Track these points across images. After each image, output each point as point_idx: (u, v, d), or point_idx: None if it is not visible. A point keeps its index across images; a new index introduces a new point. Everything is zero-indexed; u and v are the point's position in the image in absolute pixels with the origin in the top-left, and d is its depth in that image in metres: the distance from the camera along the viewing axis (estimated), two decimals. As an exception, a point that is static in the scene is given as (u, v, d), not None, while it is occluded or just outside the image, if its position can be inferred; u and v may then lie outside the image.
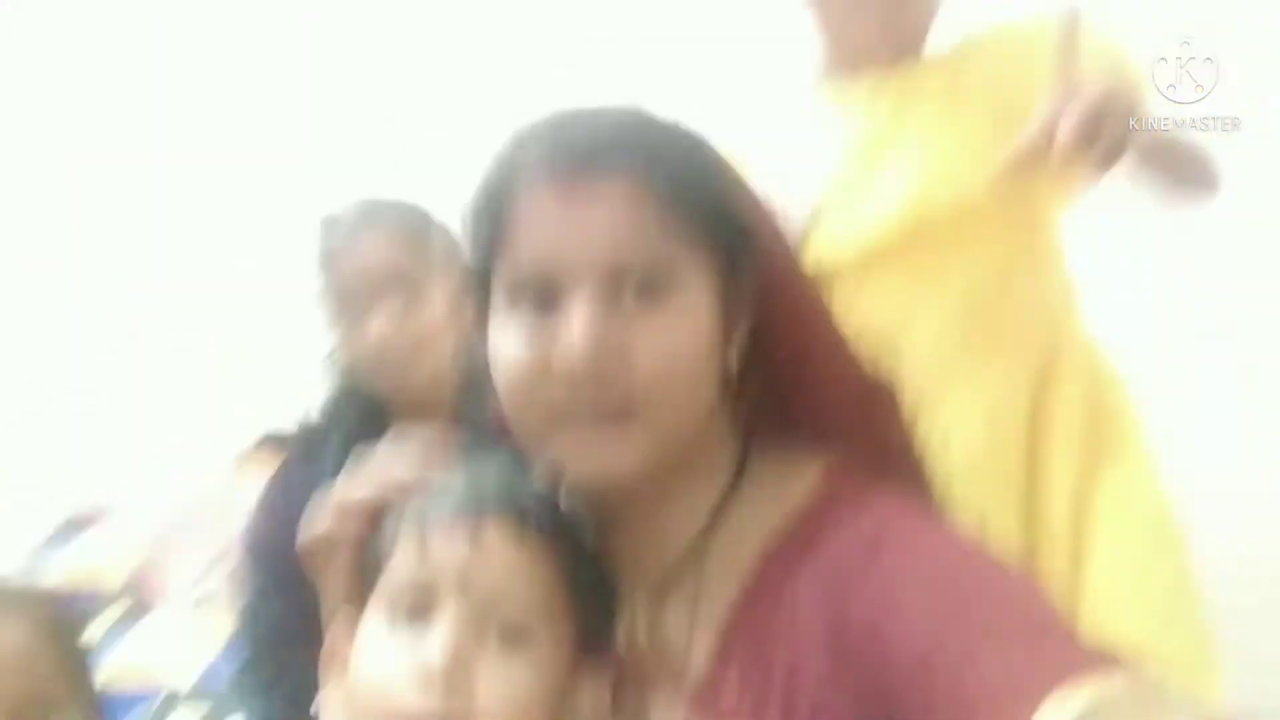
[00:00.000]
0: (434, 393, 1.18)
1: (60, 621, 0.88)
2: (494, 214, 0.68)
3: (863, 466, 0.71)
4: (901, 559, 0.62)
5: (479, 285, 0.71)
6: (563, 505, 0.67)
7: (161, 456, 2.22)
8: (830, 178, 1.06)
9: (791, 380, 0.73)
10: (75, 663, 0.87)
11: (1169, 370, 1.35)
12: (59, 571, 2.02)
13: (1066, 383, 1.06)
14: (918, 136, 1.04)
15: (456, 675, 0.61)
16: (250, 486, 1.37)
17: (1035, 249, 1.08)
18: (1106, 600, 0.98)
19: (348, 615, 0.68)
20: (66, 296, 2.26)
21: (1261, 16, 1.24)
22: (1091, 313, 1.13)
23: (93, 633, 1.81)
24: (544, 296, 0.65)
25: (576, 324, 0.63)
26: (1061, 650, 0.53)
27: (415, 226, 1.18)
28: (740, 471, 0.72)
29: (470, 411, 1.18)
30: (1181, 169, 0.98)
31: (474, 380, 1.15)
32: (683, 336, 0.65)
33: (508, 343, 0.67)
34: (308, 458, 1.21)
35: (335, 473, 1.13)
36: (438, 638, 0.62)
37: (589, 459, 0.66)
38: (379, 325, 1.14)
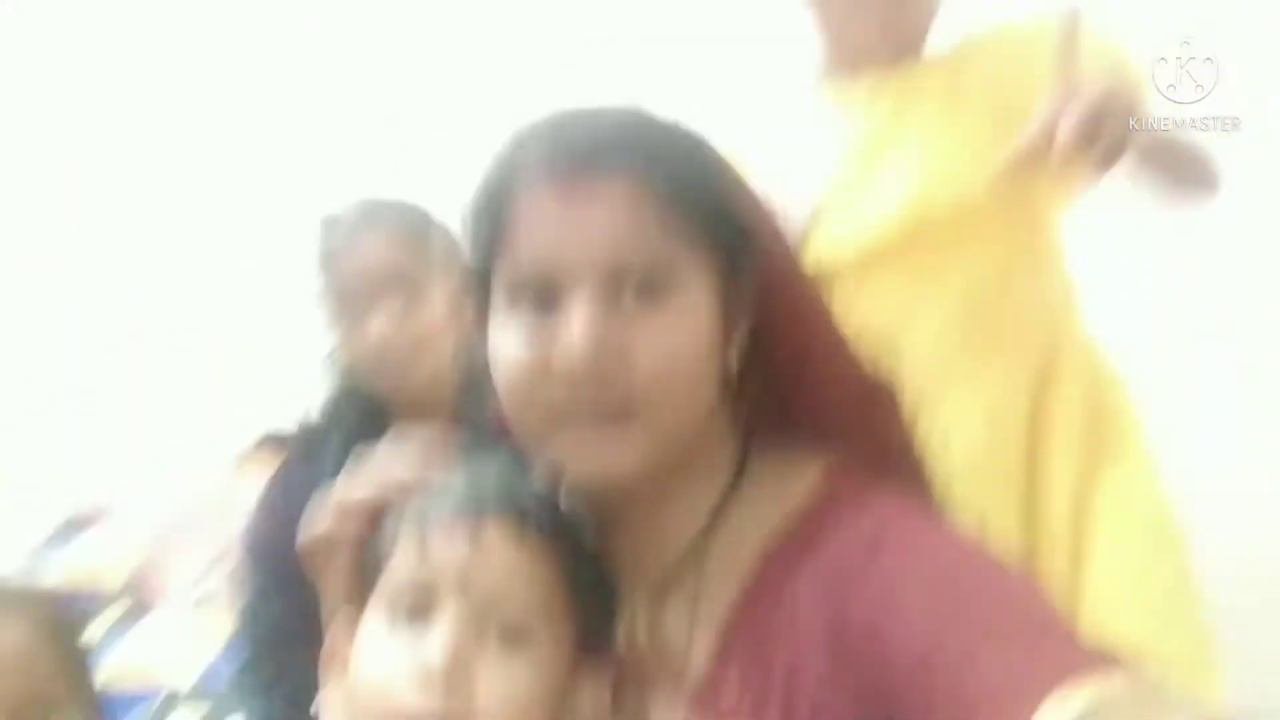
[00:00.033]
0: (434, 393, 1.18)
1: (60, 622, 0.87)
2: (494, 214, 0.68)
3: (863, 466, 0.71)
4: (901, 559, 0.62)
5: (479, 285, 0.71)
6: (562, 505, 0.67)
7: (161, 456, 2.22)
8: (830, 178, 1.06)
9: (791, 380, 0.73)
10: (75, 663, 0.87)
11: (1169, 370, 1.35)
12: (59, 571, 2.02)
13: (1066, 382, 1.06)
14: (918, 136, 1.04)
15: (456, 675, 0.61)
16: (250, 486, 1.37)
17: (1035, 249, 1.08)
18: (1106, 600, 0.98)
19: (348, 615, 0.68)
20: (66, 296, 2.26)
21: (1261, 16, 1.24)
22: (1091, 312, 1.13)
23: (93, 633, 1.81)
24: (544, 296, 0.65)
25: (576, 324, 0.63)
26: (1062, 650, 0.53)
27: (415, 226, 1.18)
28: (740, 471, 0.72)
29: (470, 411, 1.18)
30: (1181, 169, 0.98)
31: (474, 380, 1.16)
32: (682, 336, 0.65)
33: (508, 342, 0.67)
34: (308, 458, 1.21)
35: (335, 473, 1.13)
36: (438, 637, 0.62)
37: (589, 459, 0.66)
38: (379, 325, 1.14)
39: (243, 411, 2.00)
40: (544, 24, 1.82)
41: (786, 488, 0.70)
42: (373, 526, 0.69)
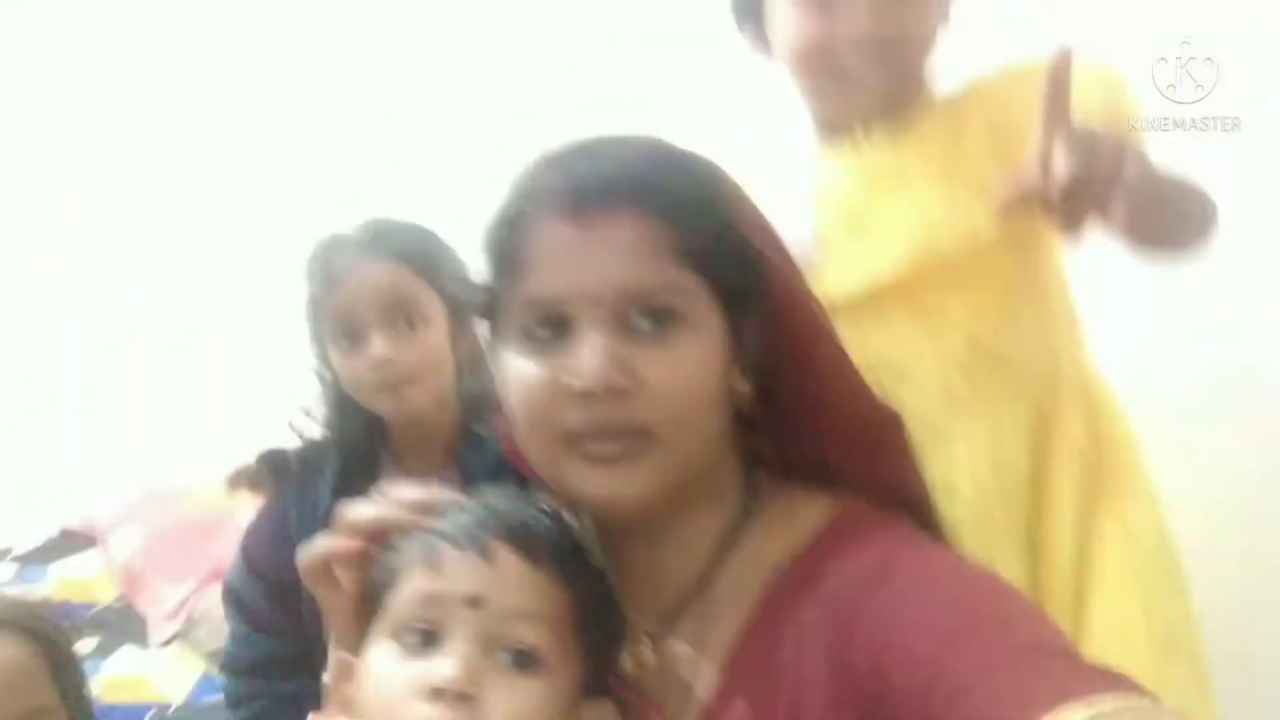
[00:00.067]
0: (435, 416, 1.18)
1: (55, 637, 0.88)
2: (509, 241, 0.69)
3: (870, 499, 0.72)
4: (905, 585, 0.62)
5: (492, 309, 0.72)
6: (572, 532, 0.68)
7: (161, 456, 2.22)
8: (834, 214, 1.06)
9: (801, 411, 0.74)
10: (70, 678, 0.88)
11: (1168, 370, 1.35)
12: (51, 584, 2.01)
13: (1070, 416, 1.06)
14: (921, 176, 1.03)
15: (467, 693, 0.61)
16: (244, 504, 1.37)
17: (1038, 284, 1.08)
18: (1110, 633, 0.98)
19: (351, 633, 0.68)
20: (66, 296, 2.26)
21: (1261, 16, 1.23)
22: (1089, 313, 1.13)
23: (84, 646, 1.80)
24: (556, 323, 0.67)
25: (588, 347, 0.65)
26: (1063, 670, 0.54)
27: (422, 250, 1.17)
28: (748, 503, 0.73)
29: (470, 436, 1.18)
30: (1174, 210, 0.95)
31: (475, 404, 1.16)
32: (692, 364, 0.67)
33: (521, 366, 0.68)
34: (305, 479, 1.21)
35: (334, 492, 1.14)
36: (449, 656, 0.62)
37: (600, 484, 0.67)
38: (381, 346, 1.13)
39: (243, 411, 2.00)
40: (544, 24, 1.82)
41: (794, 520, 0.71)
42: (378, 547, 0.69)
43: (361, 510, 0.69)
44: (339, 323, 1.15)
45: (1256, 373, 1.35)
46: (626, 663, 0.71)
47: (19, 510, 2.17)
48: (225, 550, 1.59)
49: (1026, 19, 1.14)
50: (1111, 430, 1.09)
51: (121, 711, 1.68)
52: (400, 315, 1.14)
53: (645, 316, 0.66)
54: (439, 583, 0.64)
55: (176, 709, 1.71)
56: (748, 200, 0.73)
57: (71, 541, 2.13)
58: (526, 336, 0.68)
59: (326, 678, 0.69)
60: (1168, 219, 0.94)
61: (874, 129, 1.05)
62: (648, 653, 0.71)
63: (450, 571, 0.64)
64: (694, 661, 0.69)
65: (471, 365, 1.18)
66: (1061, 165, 0.82)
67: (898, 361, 1.03)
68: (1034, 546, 1.05)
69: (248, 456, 1.26)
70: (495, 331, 0.73)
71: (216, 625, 1.57)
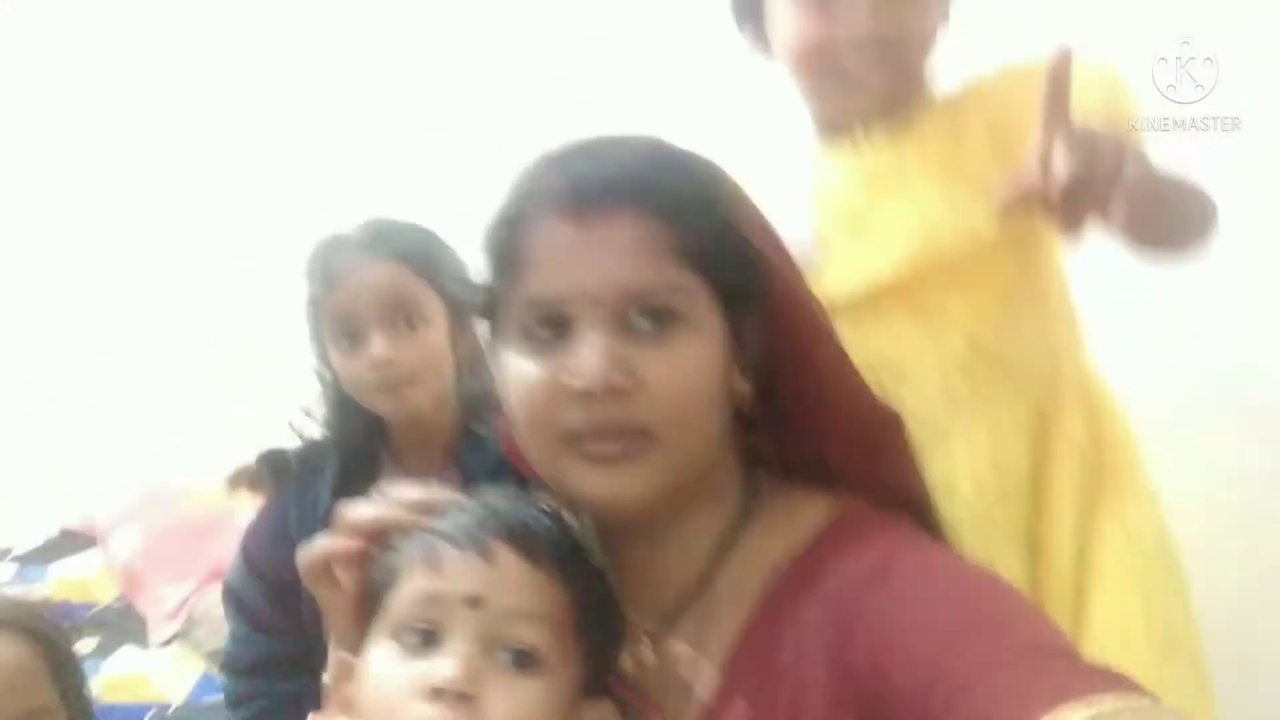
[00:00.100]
0: (435, 416, 1.18)
1: (55, 638, 0.88)
2: (509, 241, 0.70)
3: (871, 499, 0.73)
4: (905, 585, 0.62)
5: (492, 309, 0.72)
6: (572, 532, 0.68)
7: (161, 456, 2.22)
8: (833, 213, 1.06)
9: (801, 411, 0.74)
10: (71, 679, 0.88)
11: (1168, 370, 1.35)
12: (51, 584, 2.00)
13: (1070, 416, 1.06)
14: (921, 176, 1.03)
15: (467, 693, 0.61)
16: (243, 504, 1.36)
17: (1038, 284, 1.08)
18: (1110, 634, 0.98)
19: (351, 634, 0.68)
20: (66, 296, 2.26)
21: (1261, 16, 1.23)
22: (1089, 313, 1.13)
23: (84, 646, 1.80)
24: (557, 322, 0.67)
25: (588, 346, 0.65)
26: (1063, 670, 0.54)
27: (423, 251, 1.17)
28: (748, 503, 0.73)
29: (470, 436, 1.18)
30: (1174, 210, 0.95)
31: (474, 404, 1.17)
32: (692, 364, 0.67)
33: (521, 366, 0.68)
34: (305, 479, 1.21)
35: (334, 493, 1.14)
36: (449, 656, 0.62)
37: (601, 483, 0.67)
38: (381, 346, 1.13)
39: (243, 411, 2.00)
40: (544, 24, 1.82)
41: (794, 520, 0.71)
42: (378, 546, 0.68)
43: (361, 510, 0.69)
44: (339, 322, 1.15)
45: (1256, 373, 1.35)
46: (626, 663, 0.71)
47: (19, 510, 2.16)
48: (225, 550, 1.59)
49: (1026, 19, 1.14)
50: (1111, 430, 1.09)
51: (121, 711, 1.68)
52: (400, 315, 1.14)
53: (645, 316, 0.66)
54: (439, 583, 0.64)
55: (176, 709, 1.71)
56: (748, 200, 0.73)
57: (71, 541, 2.12)
58: (526, 336, 0.68)
59: (326, 678, 0.69)
60: (1168, 219, 0.94)
61: (874, 129, 1.05)
62: (648, 653, 0.71)
63: (450, 571, 0.64)
64: (694, 661, 0.69)
65: (471, 365, 1.18)
66: (1061, 165, 0.82)
67: (898, 361, 1.03)
68: (1034, 546, 1.05)
69: (248, 456, 1.26)
70: (495, 331, 0.73)
71: (216, 625, 1.57)
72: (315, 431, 1.23)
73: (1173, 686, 0.98)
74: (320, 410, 1.23)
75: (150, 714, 1.70)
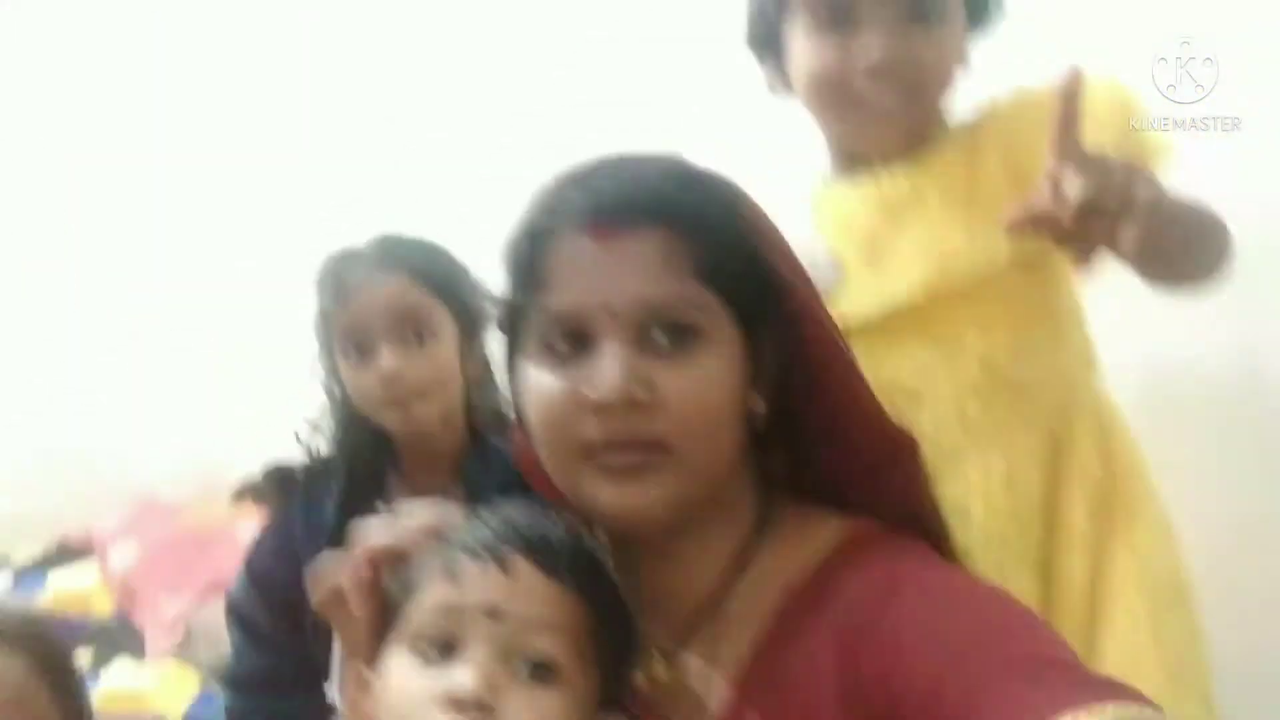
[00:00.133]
0: (444, 432, 1.18)
1: (55, 651, 0.87)
2: (531, 256, 0.71)
3: (884, 520, 0.73)
4: (914, 602, 0.63)
5: (512, 323, 0.73)
6: (589, 546, 0.69)
7: (160, 455, 2.22)
8: (851, 240, 1.06)
9: (817, 433, 0.75)
10: (71, 693, 0.87)
11: (1165, 373, 1.35)
12: (48, 596, 1.99)
13: (1083, 443, 1.06)
14: (938, 202, 1.04)
15: (486, 703, 0.61)
16: (242, 517, 1.36)
17: (1053, 310, 1.08)
18: (1122, 659, 0.98)
19: (366, 651, 0.68)
20: (66, 296, 2.26)
21: (1261, 16, 1.23)
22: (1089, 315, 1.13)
23: (80, 659, 1.78)
24: (576, 337, 0.68)
25: (608, 360, 0.66)
26: (1066, 680, 0.54)
27: (434, 266, 1.17)
28: (762, 522, 0.74)
29: (477, 454, 1.18)
30: (1188, 237, 0.94)
31: (492, 419, 1.17)
32: (709, 381, 0.68)
33: (541, 379, 0.70)
34: (312, 493, 1.20)
35: (340, 508, 1.14)
36: (468, 666, 0.62)
37: (617, 496, 0.68)
38: (390, 361, 1.13)
39: (243, 411, 2.00)
40: (544, 24, 1.82)
41: (807, 540, 0.72)
42: (390, 570, 0.69)
43: (374, 537, 0.70)
44: (349, 336, 1.16)
45: (1257, 376, 1.35)
46: (640, 679, 0.71)
47: (16, 521, 2.16)
48: (224, 563, 1.59)
49: (1027, 19, 1.14)
50: (1124, 457, 1.09)
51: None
52: (410, 330, 1.14)
53: (665, 332, 0.68)
54: (458, 594, 0.64)
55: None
56: (767, 220, 0.75)
57: (68, 553, 2.11)
58: (547, 350, 0.70)
59: (333, 692, 0.69)
60: (1181, 248, 0.93)
61: (893, 161, 1.06)
62: (661, 668, 0.72)
63: (469, 583, 0.64)
64: (706, 677, 0.70)
65: (480, 382, 1.19)
66: (1072, 189, 0.81)
67: (913, 386, 1.04)
68: (1046, 572, 1.05)
69: (248, 456, 1.26)
70: (515, 345, 0.74)
71: (215, 639, 1.56)
72: (322, 446, 1.23)
73: (1181, 710, 0.99)
74: (327, 425, 1.23)
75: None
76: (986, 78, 1.11)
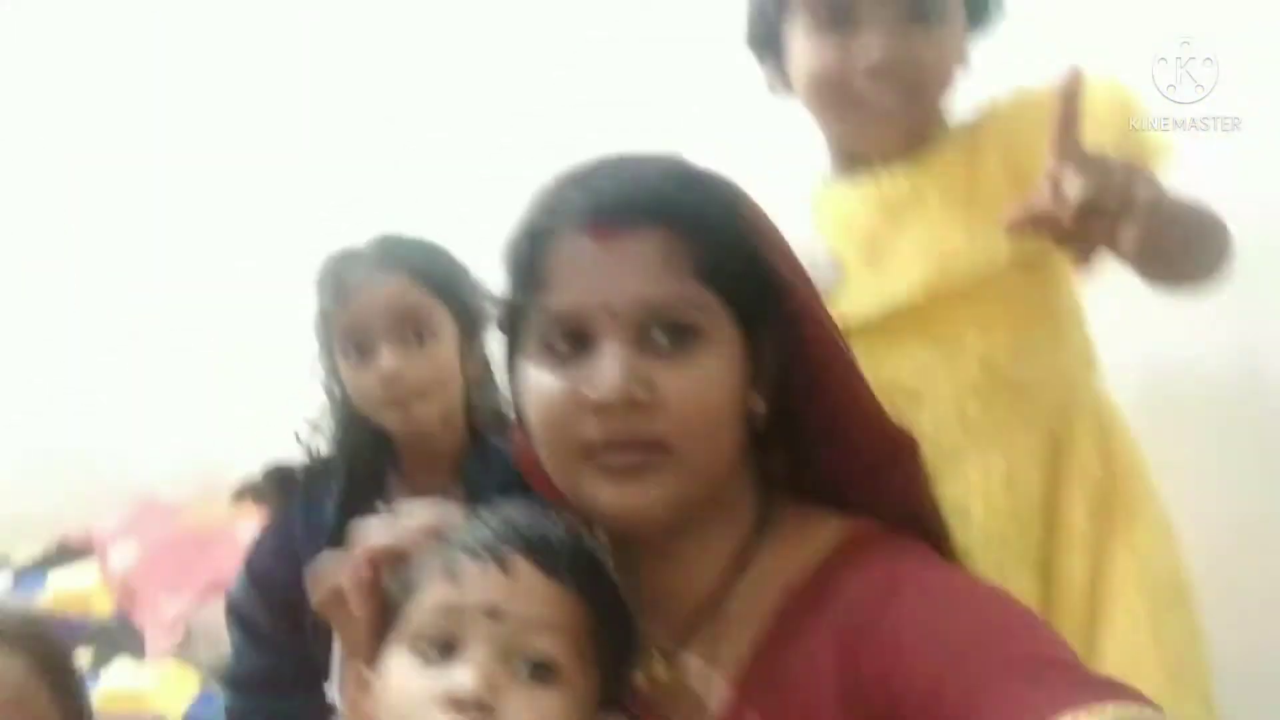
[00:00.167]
0: (443, 432, 1.19)
1: (55, 652, 0.87)
2: (531, 256, 0.71)
3: (884, 520, 0.73)
4: (913, 601, 0.63)
5: (512, 323, 0.73)
6: (589, 546, 0.69)
7: (160, 455, 2.22)
8: (851, 240, 1.07)
9: (817, 431, 0.75)
10: (71, 694, 0.87)
11: (1164, 375, 1.35)
12: (48, 596, 1.99)
13: (1083, 443, 1.06)
14: (937, 203, 1.04)
15: (486, 703, 0.61)
16: (242, 517, 1.35)
17: (1053, 311, 1.08)
18: (1123, 660, 0.98)
19: (366, 652, 0.68)
20: (66, 296, 2.26)
21: (1261, 16, 1.23)
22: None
23: (82, 659, 1.79)
24: (577, 336, 0.68)
25: (608, 360, 0.66)
26: (1066, 680, 0.55)
27: (434, 266, 1.17)
28: (762, 523, 0.74)
29: (476, 454, 1.18)
30: (1188, 237, 0.94)
31: (492, 419, 1.17)
32: (709, 381, 0.68)
33: (541, 379, 0.70)
34: (312, 493, 1.20)
35: (340, 508, 1.14)
36: (468, 665, 0.62)
37: (616, 496, 0.68)
38: (390, 360, 1.13)
39: (243, 411, 2.00)
40: (544, 24, 1.82)
41: (807, 541, 0.72)
42: (390, 570, 0.69)
43: (374, 537, 0.70)
44: (349, 336, 1.16)
45: (1257, 376, 1.35)
46: (639, 679, 0.71)
47: (16, 521, 2.16)
48: (224, 563, 1.58)
49: (1027, 19, 1.14)
50: (1125, 458, 1.09)
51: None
52: (410, 330, 1.14)
53: (665, 332, 0.68)
54: (458, 594, 0.64)
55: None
56: (767, 220, 0.75)
57: (68, 553, 2.11)
58: (547, 350, 0.70)
59: (333, 691, 0.69)
60: (1181, 248, 0.93)
61: (893, 162, 1.06)
62: (660, 669, 0.72)
63: (469, 582, 0.64)
64: (707, 678, 0.70)
65: (480, 382, 1.19)
66: (1073, 188, 0.81)
67: (912, 386, 1.04)
68: (1046, 573, 1.05)
69: (248, 456, 1.26)
70: (515, 345, 0.74)
71: (215, 639, 1.56)
72: (322, 446, 1.23)
73: (1181, 710, 0.99)
74: (327, 425, 1.23)
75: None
76: (986, 78, 1.11)
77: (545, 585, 0.65)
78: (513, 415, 0.78)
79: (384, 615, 0.68)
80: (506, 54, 1.85)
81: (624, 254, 0.68)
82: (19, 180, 2.30)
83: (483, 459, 1.16)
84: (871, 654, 0.62)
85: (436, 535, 0.69)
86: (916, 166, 1.06)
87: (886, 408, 0.76)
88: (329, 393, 1.22)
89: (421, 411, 1.15)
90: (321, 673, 1.12)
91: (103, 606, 1.98)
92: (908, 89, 1.03)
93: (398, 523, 0.71)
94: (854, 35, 1.02)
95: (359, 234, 1.20)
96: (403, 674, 0.65)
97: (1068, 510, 1.05)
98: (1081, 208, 0.81)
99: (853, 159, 1.11)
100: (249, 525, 1.28)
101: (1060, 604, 1.03)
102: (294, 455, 1.24)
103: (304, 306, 1.21)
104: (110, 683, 1.79)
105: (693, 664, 0.71)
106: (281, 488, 1.23)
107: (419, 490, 1.13)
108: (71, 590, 2.00)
